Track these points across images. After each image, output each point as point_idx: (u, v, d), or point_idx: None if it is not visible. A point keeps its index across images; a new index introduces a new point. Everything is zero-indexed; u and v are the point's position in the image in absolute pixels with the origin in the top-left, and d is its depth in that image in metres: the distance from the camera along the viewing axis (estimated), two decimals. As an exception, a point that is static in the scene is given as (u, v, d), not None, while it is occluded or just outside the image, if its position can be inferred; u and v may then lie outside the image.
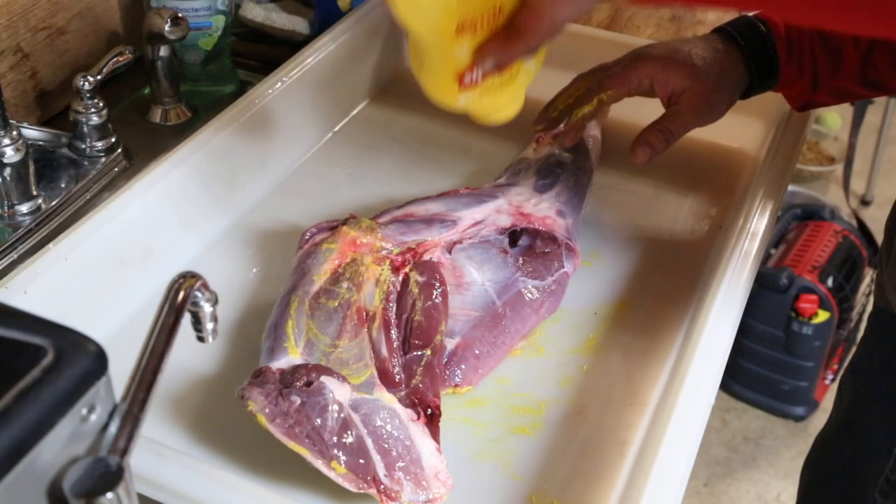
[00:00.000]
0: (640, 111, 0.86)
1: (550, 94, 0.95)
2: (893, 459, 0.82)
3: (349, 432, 0.59)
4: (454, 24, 0.60)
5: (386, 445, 0.60)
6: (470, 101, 0.65)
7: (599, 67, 0.85)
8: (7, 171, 0.81)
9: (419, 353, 0.67)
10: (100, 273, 0.72)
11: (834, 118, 2.56)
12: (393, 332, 0.67)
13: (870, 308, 1.21)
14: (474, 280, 0.74)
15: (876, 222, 0.87)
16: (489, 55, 0.62)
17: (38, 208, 0.84)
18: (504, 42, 0.62)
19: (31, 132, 0.92)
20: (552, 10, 0.59)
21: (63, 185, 0.88)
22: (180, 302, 0.44)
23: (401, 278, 0.71)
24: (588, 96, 0.84)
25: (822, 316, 1.78)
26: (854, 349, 1.01)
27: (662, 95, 0.82)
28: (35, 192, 0.85)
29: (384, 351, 0.66)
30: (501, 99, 0.67)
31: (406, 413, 0.63)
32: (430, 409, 0.63)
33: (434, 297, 0.70)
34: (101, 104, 0.90)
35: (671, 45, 0.82)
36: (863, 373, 0.91)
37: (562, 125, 0.87)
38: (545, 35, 0.61)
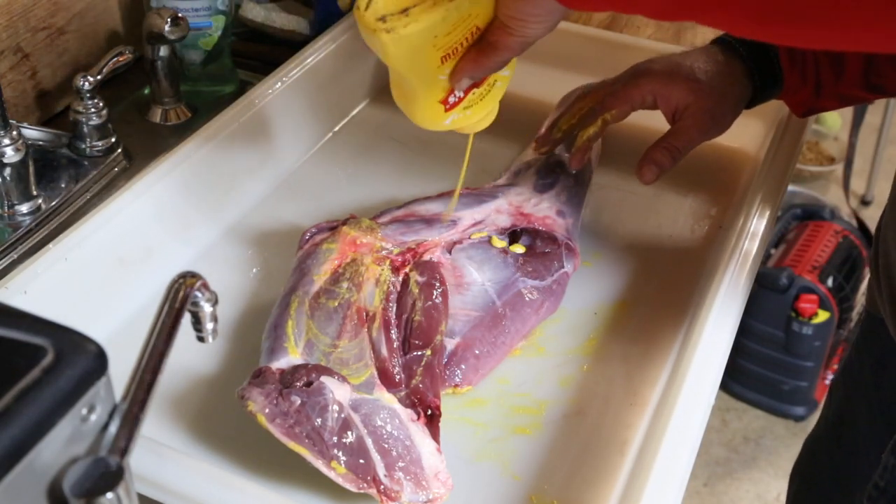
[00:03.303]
0: (640, 111, 0.86)
1: (550, 94, 0.95)
2: (882, 465, 0.82)
3: (349, 432, 0.59)
4: (440, 55, 0.61)
5: (386, 445, 0.60)
6: (455, 120, 0.66)
7: (601, 84, 0.85)
8: (7, 171, 0.81)
9: (419, 353, 0.67)
10: (100, 273, 0.72)
11: (834, 118, 2.56)
12: (393, 332, 0.67)
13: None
14: (474, 280, 0.74)
15: (876, 222, 0.88)
16: (465, 73, 0.63)
17: (38, 208, 0.84)
18: (476, 58, 0.62)
19: (31, 132, 0.92)
20: (522, 28, 0.60)
21: (63, 185, 0.88)
22: (180, 302, 0.45)
23: (401, 278, 0.71)
24: (592, 116, 0.83)
25: (822, 316, 1.78)
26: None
27: (666, 111, 0.81)
28: (35, 192, 0.85)
29: (384, 351, 0.66)
30: (485, 109, 0.68)
31: (406, 413, 0.62)
32: (430, 410, 0.63)
33: (434, 297, 0.70)
34: (101, 104, 0.90)
35: (672, 59, 0.81)
36: (853, 377, 0.91)
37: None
38: (515, 51, 0.62)
